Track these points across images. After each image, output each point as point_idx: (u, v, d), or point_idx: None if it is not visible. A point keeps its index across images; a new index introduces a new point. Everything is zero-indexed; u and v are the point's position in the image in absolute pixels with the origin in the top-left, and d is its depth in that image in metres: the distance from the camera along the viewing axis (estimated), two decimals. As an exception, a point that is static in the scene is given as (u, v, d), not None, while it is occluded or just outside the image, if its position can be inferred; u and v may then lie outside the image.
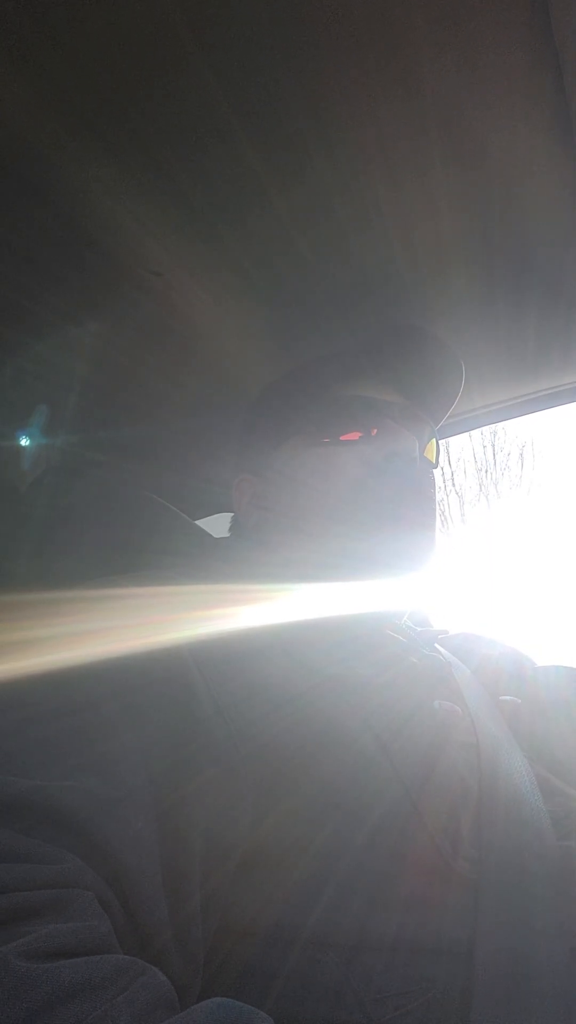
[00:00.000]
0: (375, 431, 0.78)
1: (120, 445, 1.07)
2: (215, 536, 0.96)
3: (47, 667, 0.48)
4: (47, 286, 0.77)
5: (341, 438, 0.77)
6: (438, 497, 0.82)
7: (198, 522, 1.06)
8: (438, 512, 0.81)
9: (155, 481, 1.15)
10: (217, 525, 1.12)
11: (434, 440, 0.84)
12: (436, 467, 0.84)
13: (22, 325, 0.83)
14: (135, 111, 0.60)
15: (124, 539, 0.84)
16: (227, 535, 0.90)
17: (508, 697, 0.75)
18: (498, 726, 0.68)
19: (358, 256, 0.79)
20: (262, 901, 0.50)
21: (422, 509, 0.76)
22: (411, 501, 0.75)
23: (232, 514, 0.91)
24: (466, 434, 1.21)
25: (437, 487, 0.84)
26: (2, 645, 0.49)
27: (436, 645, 0.81)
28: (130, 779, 0.45)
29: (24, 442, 0.97)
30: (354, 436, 0.77)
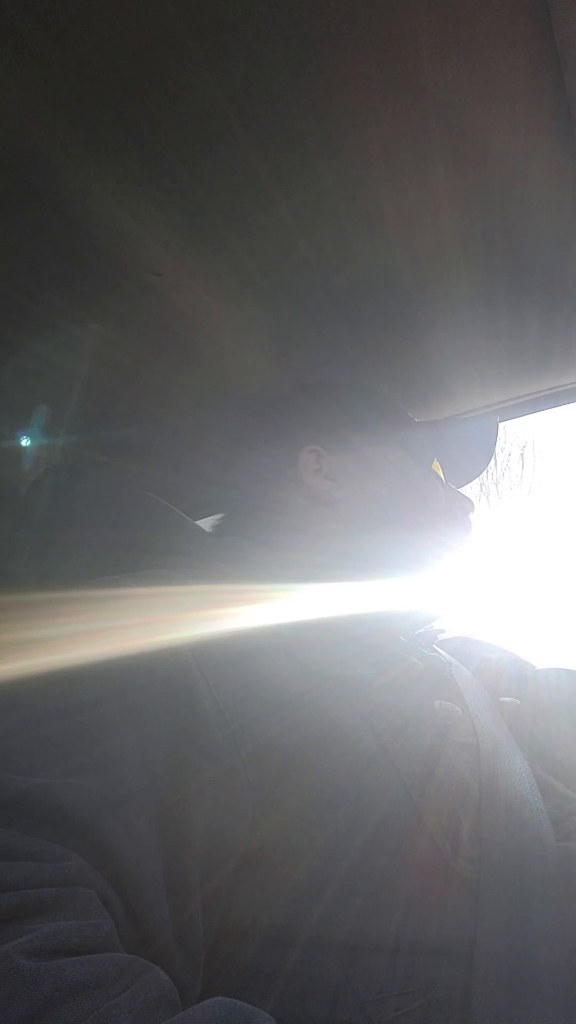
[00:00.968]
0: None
1: (121, 445, 1.07)
2: (215, 536, 0.95)
3: (49, 667, 0.48)
4: (48, 287, 0.78)
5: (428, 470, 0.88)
6: None
7: (198, 522, 1.06)
8: None
9: (156, 481, 1.15)
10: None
11: None
12: None
13: (23, 326, 0.83)
14: (137, 112, 0.60)
15: (125, 539, 0.84)
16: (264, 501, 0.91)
17: (508, 699, 0.75)
18: (498, 727, 0.68)
19: (359, 257, 0.79)
20: (263, 901, 0.50)
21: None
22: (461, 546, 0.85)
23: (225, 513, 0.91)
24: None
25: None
26: (5, 645, 0.49)
27: (435, 646, 0.81)
28: (131, 779, 0.45)
29: (25, 442, 0.97)
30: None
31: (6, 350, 0.86)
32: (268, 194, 0.69)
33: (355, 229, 0.75)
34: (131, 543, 0.84)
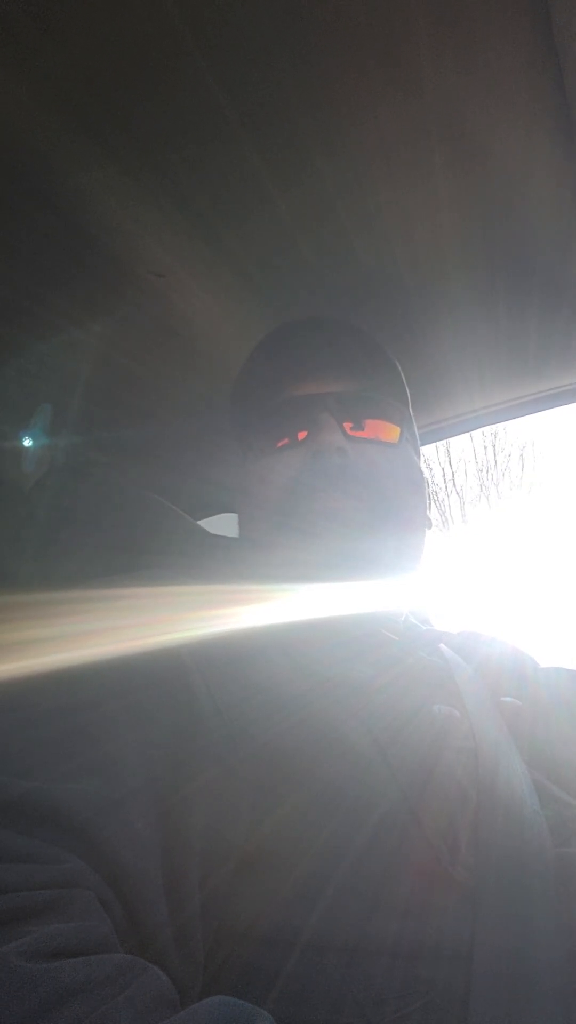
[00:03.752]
0: (306, 431, 0.74)
1: (122, 445, 1.07)
2: (216, 536, 0.96)
3: (49, 667, 0.48)
4: (50, 288, 0.78)
5: (277, 446, 0.76)
6: (409, 477, 0.78)
7: (200, 522, 1.06)
8: (404, 494, 0.76)
9: (157, 481, 1.15)
10: (217, 525, 1.12)
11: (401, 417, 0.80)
12: (397, 445, 0.79)
13: (25, 327, 0.83)
14: (137, 113, 0.60)
15: (126, 539, 0.85)
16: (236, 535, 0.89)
17: (509, 699, 0.74)
18: (498, 730, 0.67)
19: (359, 258, 0.79)
20: (262, 902, 0.50)
21: (358, 496, 0.72)
22: (342, 492, 0.72)
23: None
24: (467, 435, 1.21)
25: (411, 467, 0.79)
26: (5, 645, 0.49)
27: (440, 645, 0.80)
28: (131, 780, 0.45)
29: (27, 443, 0.97)
30: (286, 441, 0.76)
31: (8, 350, 0.87)
32: (268, 194, 0.69)
33: (355, 229, 0.75)
34: (131, 543, 0.84)
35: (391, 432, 0.78)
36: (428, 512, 0.82)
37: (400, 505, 0.75)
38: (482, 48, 0.57)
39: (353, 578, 0.71)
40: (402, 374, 0.84)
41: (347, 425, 0.75)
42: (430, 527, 0.83)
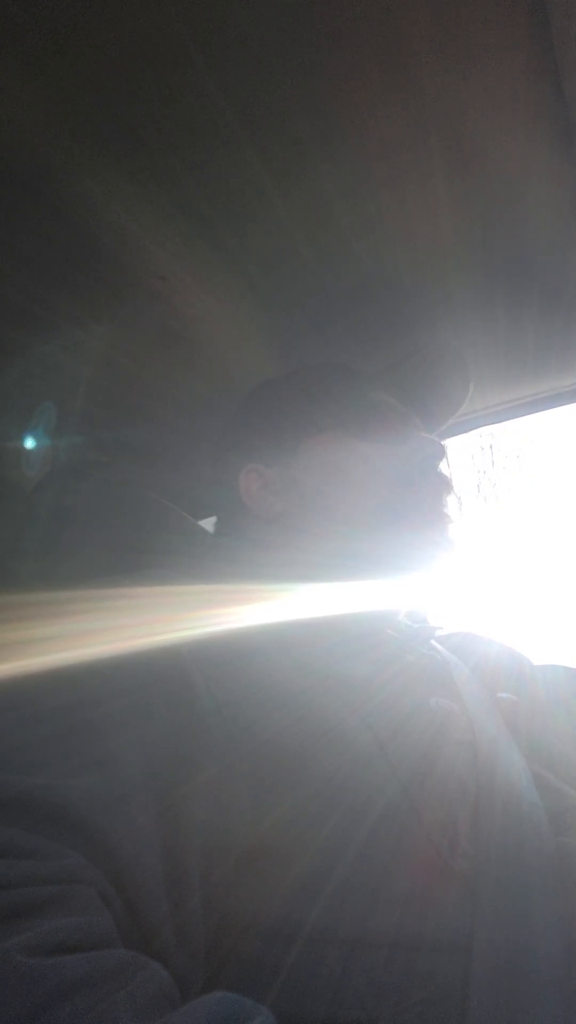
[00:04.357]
0: (405, 436, 0.83)
1: (124, 446, 1.08)
2: (216, 536, 0.96)
3: (50, 666, 0.48)
4: (53, 290, 0.78)
5: (381, 438, 0.82)
6: None
7: (200, 522, 1.06)
8: None
9: (159, 481, 1.15)
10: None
11: None
12: None
13: (28, 328, 0.83)
14: (139, 117, 0.61)
15: (128, 539, 0.85)
16: (223, 527, 0.90)
17: (506, 694, 0.75)
18: (496, 724, 0.68)
19: (360, 261, 0.79)
20: (263, 897, 0.50)
21: (452, 509, 0.81)
22: (447, 501, 0.80)
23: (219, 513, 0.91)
24: (465, 435, 1.22)
25: None
26: (7, 644, 0.50)
27: (433, 643, 0.81)
28: (133, 776, 0.45)
29: (29, 443, 0.97)
30: (392, 437, 0.82)
31: (11, 352, 0.87)
32: (269, 198, 0.69)
33: (355, 232, 0.75)
34: (132, 543, 0.85)
35: None
36: None
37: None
38: (481, 53, 0.57)
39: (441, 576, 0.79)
40: None
41: None
42: None
